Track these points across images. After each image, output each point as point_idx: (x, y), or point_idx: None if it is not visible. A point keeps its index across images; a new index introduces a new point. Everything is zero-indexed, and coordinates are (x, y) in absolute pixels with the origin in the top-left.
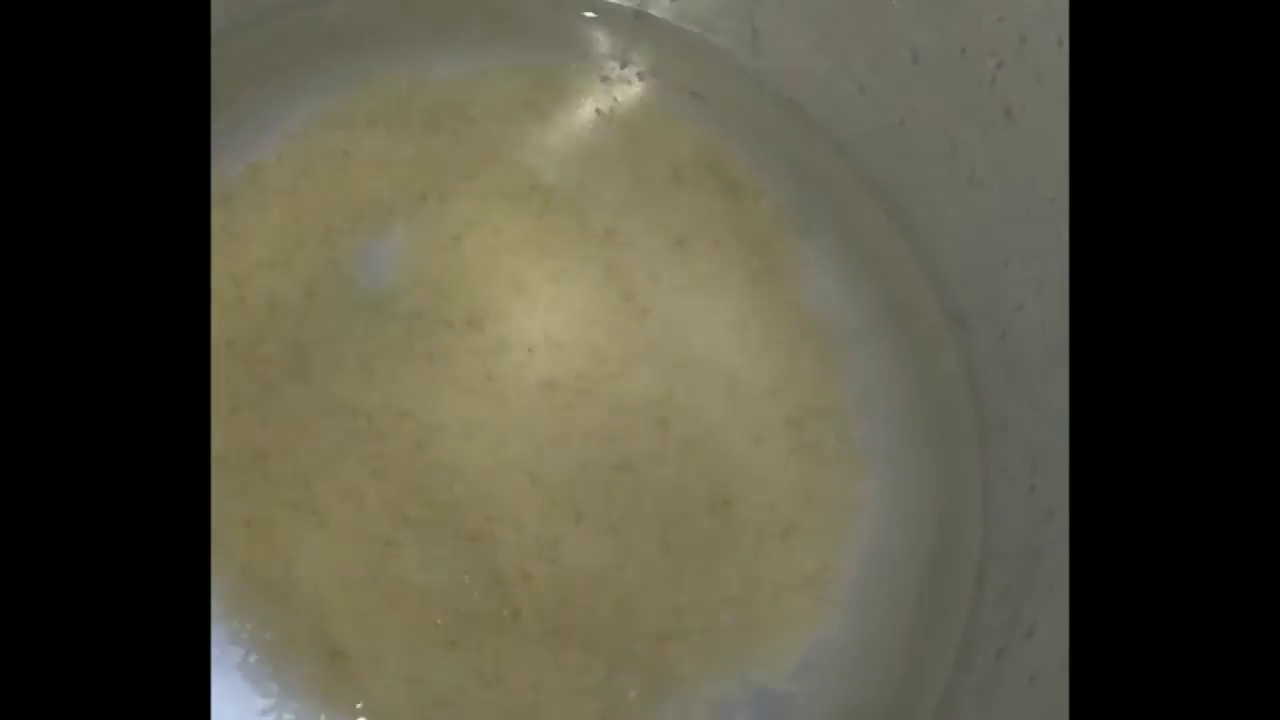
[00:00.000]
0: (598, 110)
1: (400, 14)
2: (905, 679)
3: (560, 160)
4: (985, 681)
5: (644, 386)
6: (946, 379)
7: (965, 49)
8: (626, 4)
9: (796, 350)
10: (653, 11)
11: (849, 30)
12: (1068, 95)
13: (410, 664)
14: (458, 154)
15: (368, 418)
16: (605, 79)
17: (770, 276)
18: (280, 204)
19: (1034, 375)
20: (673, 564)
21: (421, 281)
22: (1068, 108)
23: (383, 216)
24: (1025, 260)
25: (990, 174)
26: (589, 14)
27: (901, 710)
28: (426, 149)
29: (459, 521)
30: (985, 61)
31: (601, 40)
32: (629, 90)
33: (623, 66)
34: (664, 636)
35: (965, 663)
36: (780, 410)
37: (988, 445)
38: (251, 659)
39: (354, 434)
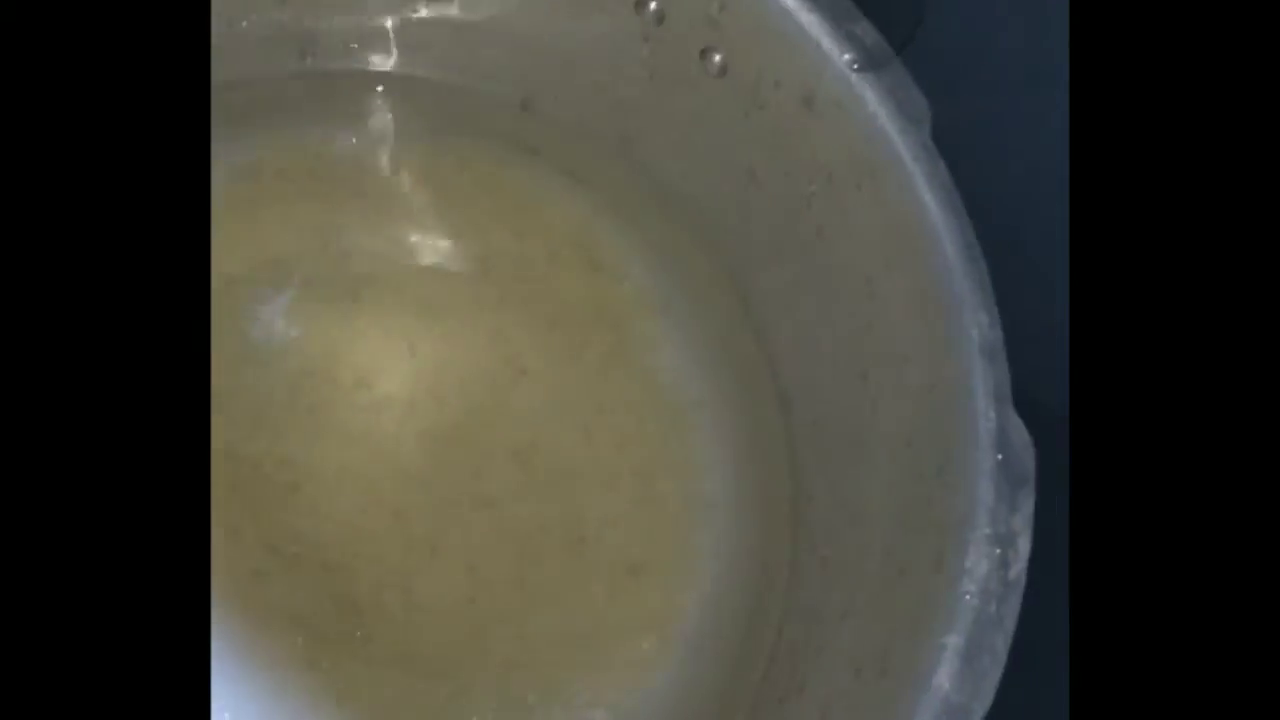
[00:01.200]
0: (488, 185)
1: (305, 96)
2: (716, 712)
3: (456, 230)
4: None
5: (511, 435)
6: (772, 450)
7: (788, 173)
8: (514, 94)
9: (644, 412)
10: (538, 103)
11: (701, 147)
12: (864, 227)
13: (274, 679)
14: (360, 215)
15: (252, 464)
16: (496, 157)
17: (626, 348)
18: None
19: (834, 459)
20: (525, 598)
21: (315, 338)
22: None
23: (284, 271)
24: (834, 362)
25: (809, 283)
26: (483, 100)
27: None
28: (330, 208)
29: (324, 556)
30: (803, 188)
31: (495, 122)
32: (517, 168)
33: (511, 146)
34: (511, 666)
35: (757, 705)
36: (628, 463)
37: (798, 514)
38: None
39: (237, 478)
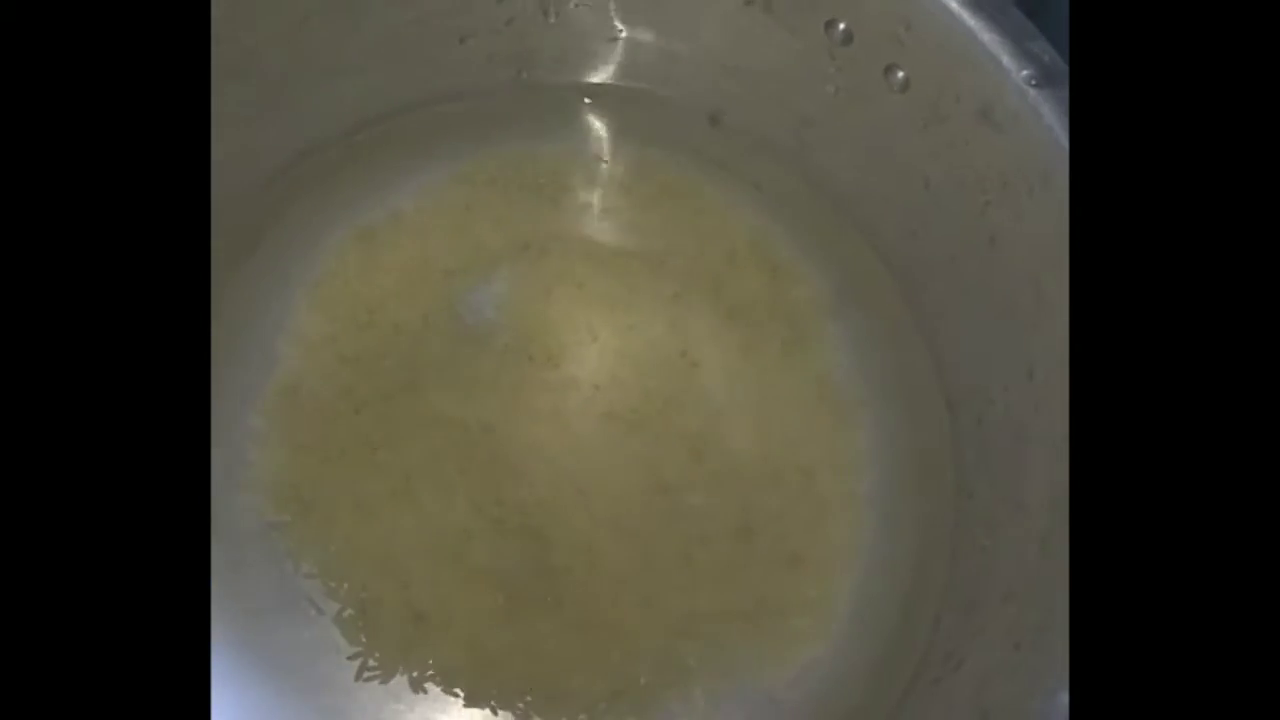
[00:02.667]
0: (674, 192)
1: (517, 107)
2: (870, 696)
3: (639, 232)
4: (921, 703)
5: (685, 424)
6: (935, 450)
7: (963, 183)
8: (704, 109)
9: (814, 411)
10: (726, 118)
11: (879, 158)
12: (1035, 234)
13: (473, 632)
14: (556, 217)
15: (462, 428)
16: (683, 168)
17: (797, 348)
18: (411, 246)
19: (996, 458)
20: (693, 576)
21: (515, 322)
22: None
23: (491, 264)
24: (1000, 363)
25: (979, 287)
26: (675, 115)
27: (861, 716)
28: (532, 210)
29: (523, 520)
30: (977, 197)
31: (684, 136)
32: (701, 178)
33: (698, 158)
34: (677, 634)
35: (911, 687)
36: (795, 459)
37: (959, 508)
38: (346, 613)
39: (449, 440)
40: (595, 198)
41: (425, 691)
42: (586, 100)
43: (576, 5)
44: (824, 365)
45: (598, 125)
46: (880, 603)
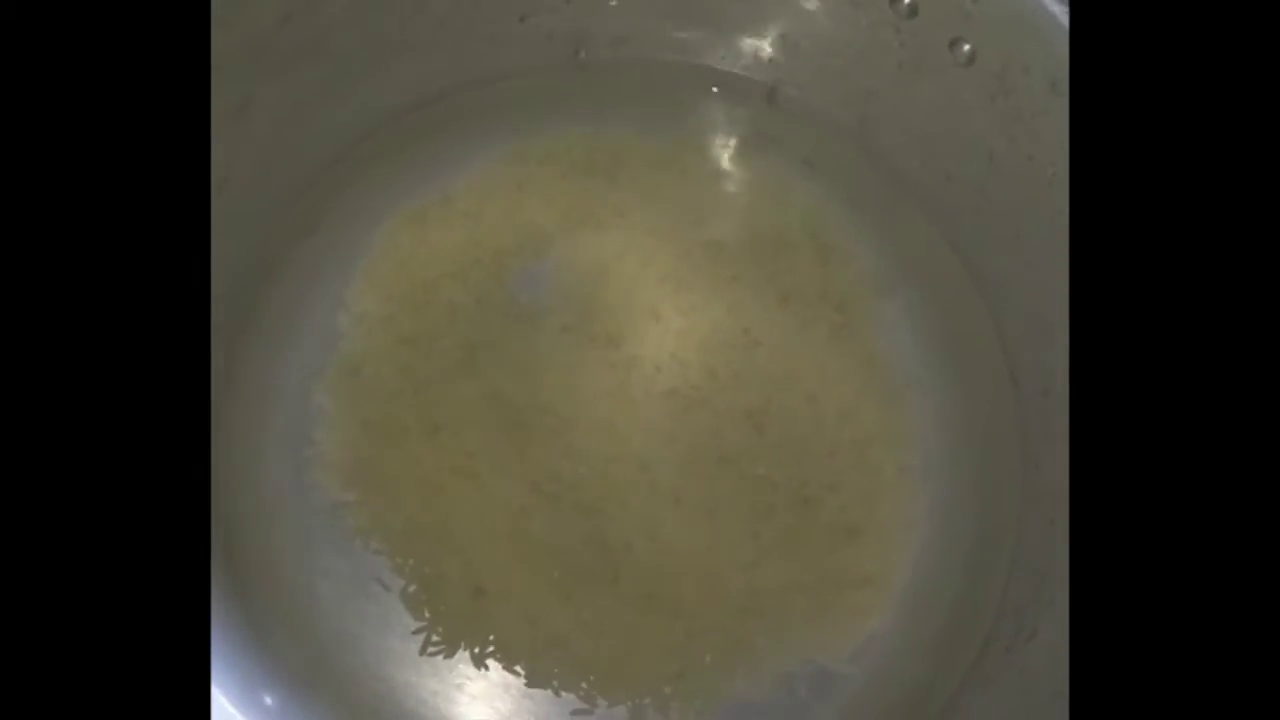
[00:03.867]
0: (728, 170)
1: (574, 86)
2: (936, 667)
3: (697, 211)
4: (993, 672)
5: (746, 399)
6: (999, 424)
7: (1031, 157)
8: (763, 84)
9: (865, 388)
10: (784, 93)
11: (942, 132)
12: None
13: (532, 607)
14: (612, 195)
15: (518, 409)
16: (739, 145)
17: (851, 326)
18: (464, 226)
19: (1062, 430)
20: (756, 550)
21: (572, 302)
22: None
23: (545, 243)
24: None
25: (1046, 261)
26: (733, 91)
27: (930, 692)
28: (586, 188)
29: (580, 497)
30: (1045, 170)
31: (741, 112)
32: (757, 155)
33: (754, 135)
34: (742, 611)
35: (981, 656)
36: (849, 433)
37: (1025, 482)
38: (411, 589)
39: (507, 420)
40: (651, 177)
41: (486, 668)
42: (644, 79)
43: None
44: (876, 344)
45: (654, 104)
46: (941, 575)
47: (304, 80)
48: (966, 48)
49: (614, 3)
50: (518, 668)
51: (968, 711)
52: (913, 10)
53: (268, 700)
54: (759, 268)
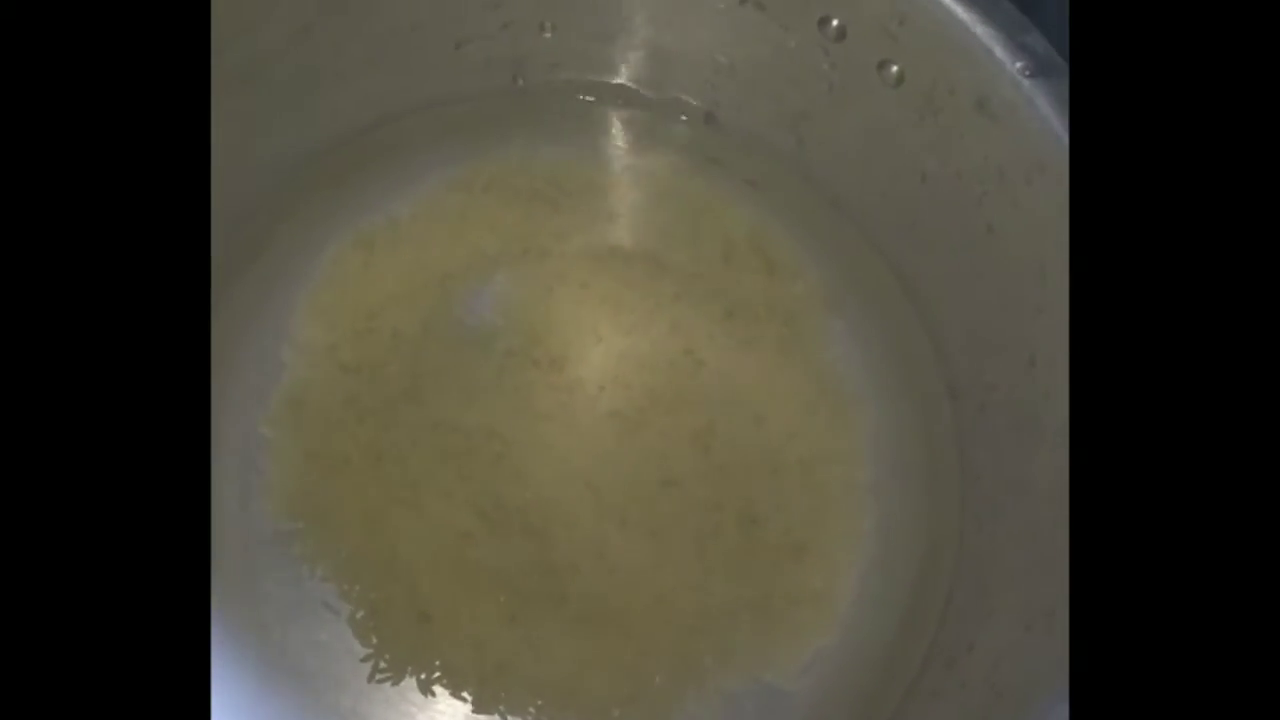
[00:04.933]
0: (670, 191)
1: (513, 111)
2: (882, 682)
3: (638, 232)
4: (936, 686)
5: (691, 420)
6: (939, 439)
7: (960, 174)
8: (699, 107)
9: (814, 404)
10: (720, 115)
11: (875, 152)
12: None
13: (479, 631)
14: (554, 220)
15: (465, 435)
16: (679, 167)
17: (796, 343)
18: (409, 251)
19: (1000, 443)
20: (703, 570)
21: (517, 325)
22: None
23: (489, 268)
24: (1001, 349)
25: (978, 277)
26: (669, 114)
27: (875, 706)
28: (528, 213)
29: (525, 520)
30: (973, 188)
31: (679, 135)
32: (697, 176)
33: (694, 157)
34: (691, 632)
35: (924, 670)
36: (796, 452)
37: (965, 493)
38: (359, 615)
39: (451, 447)
40: (593, 200)
41: (434, 694)
42: (582, 102)
43: (570, 10)
44: (823, 359)
45: (593, 128)
46: (887, 590)
47: (241, 108)
48: (895, 69)
49: (548, 34)
50: (465, 693)
51: None
52: (841, 33)
53: None
54: (702, 285)
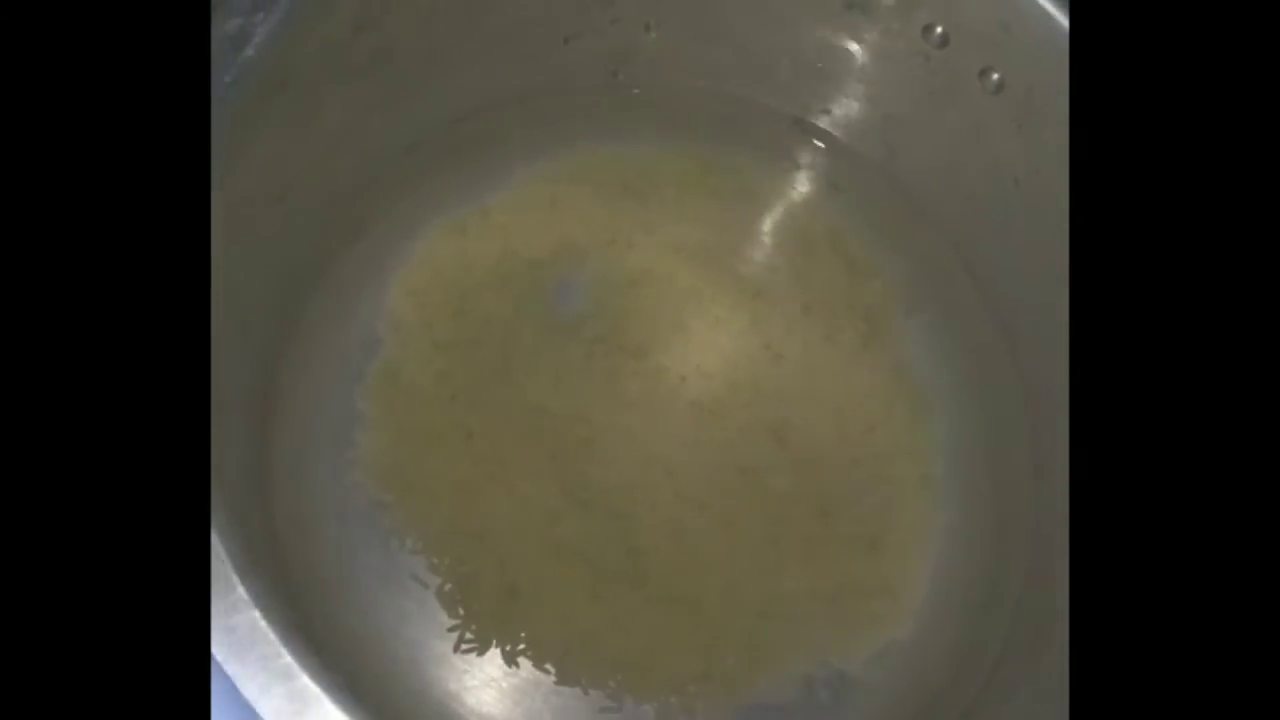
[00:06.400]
0: (755, 191)
1: (607, 106)
2: (954, 677)
3: (722, 228)
4: (1010, 683)
5: (769, 413)
6: (1013, 438)
7: (1052, 180)
8: (789, 112)
9: (890, 401)
10: (810, 119)
11: (967, 157)
12: None
13: (563, 607)
14: (642, 213)
15: (552, 415)
16: (766, 168)
17: (874, 341)
18: (501, 238)
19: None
20: (777, 557)
21: (603, 313)
22: None
23: (578, 257)
24: None
25: (1058, 281)
26: (760, 115)
27: (948, 701)
28: (617, 205)
29: (608, 502)
30: (1062, 194)
31: (767, 136)
32: (783, 177)
33: (781, 159)
34: (763, 615)
35: (997, 667)
36: (872, 446)
37: (1038, 490)
38: (447, 587)
39: (540, 427)
40: (679, 195)
41: (517, 665)
42: (675, 100)
43: (675, 10)
44: (900, 356)
45: (684, 125)
46: (960, 585)
47: (366, 92)
48: (995, 76)
49: (653, 33)
50: (547, 665)
51: None
52: (944, 40)
53: (309, 690)
54: (782, 281)
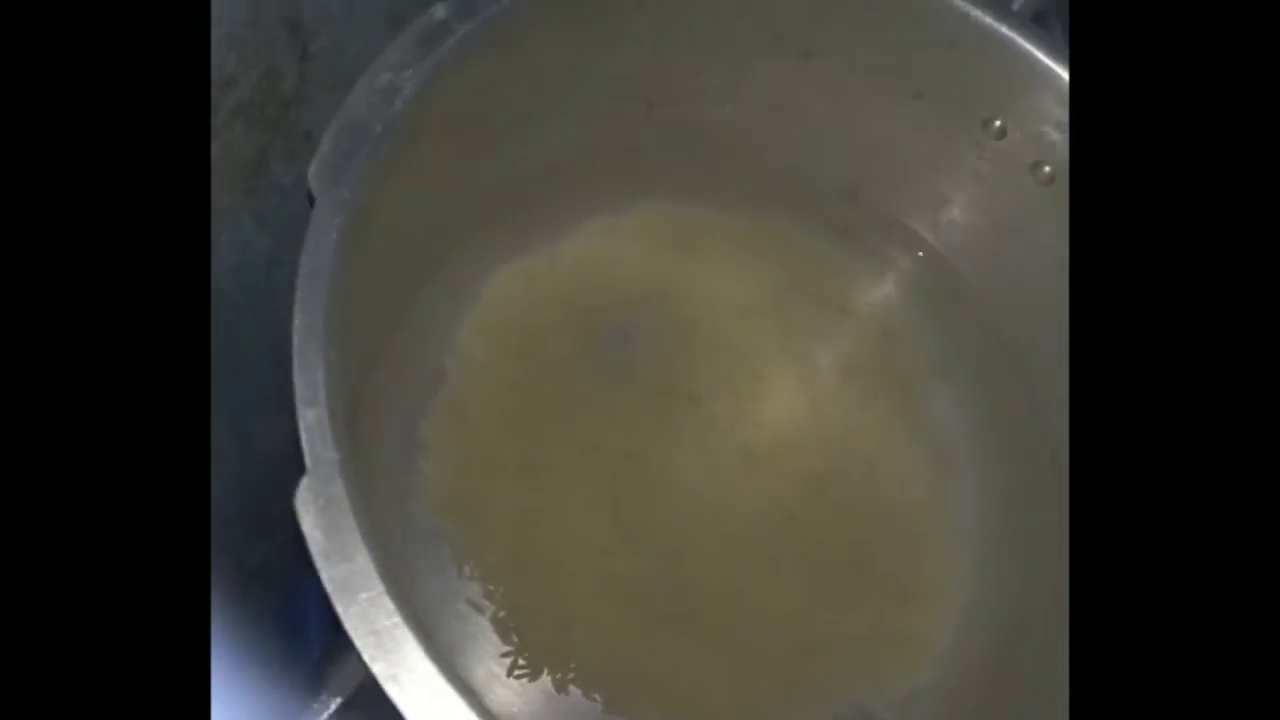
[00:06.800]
0: (802, 254)
1: (669, 166)
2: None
3: (769, 290)
4: None
5: (811, 463)
6: (1039, 498)
7: None
8: (844, 183)
9: (920, 459)
10: (862, 194)
11: (1011, 241)
12: None
13: (613, 640)
14: (695, 268)
15: (608, 455)
16: (813, 234)
17: (907, 404)
18: (564, 284)
19: None
20: (817, 600)
21: (658, 361)
22: None
23: (635, 307)
24: None
25: None
26: (813, 187)
27: None
28: (671, 261)
29: (660, 540)
30: None
31: (818, 205)
32: (829, 246)
33: (829, 228)
34: (801, 655)
35: (1021, 715)
36: (905, 501)
37: (1062, 549)
38: (501, 614)
39: (596, 464)
40: (732, 254)
41: (567, 693)
42: (735, 167)
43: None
44: (931, 418)
45: (744, 192)
46: (985, 637)
47: (468, 144)
48: (1047, 169)
49: (729, 106)
50: (595, 695)
51: None
52: (1001, 133)
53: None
54: (826, 344)
